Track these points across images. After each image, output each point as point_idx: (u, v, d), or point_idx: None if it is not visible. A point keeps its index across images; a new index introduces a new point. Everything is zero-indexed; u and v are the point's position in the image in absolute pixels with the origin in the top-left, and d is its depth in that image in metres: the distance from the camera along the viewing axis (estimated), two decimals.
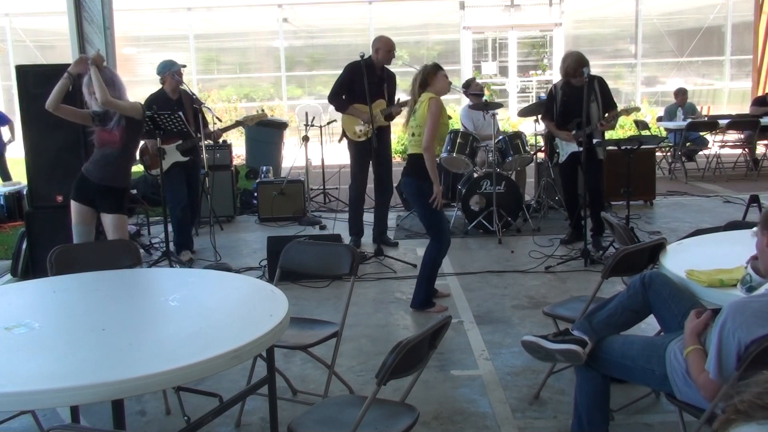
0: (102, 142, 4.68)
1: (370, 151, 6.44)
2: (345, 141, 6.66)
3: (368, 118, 6.25)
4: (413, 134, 4.77)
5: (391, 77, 6.54)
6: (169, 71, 6.29)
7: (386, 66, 6.46)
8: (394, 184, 8.33)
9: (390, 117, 6.45)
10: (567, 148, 6.39)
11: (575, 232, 6.44)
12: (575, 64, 6.14)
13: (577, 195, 6.55)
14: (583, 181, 6.12)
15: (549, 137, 6.88)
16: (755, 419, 1.33)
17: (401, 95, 6.68)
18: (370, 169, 6.59)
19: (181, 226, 6.39)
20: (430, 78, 4.76)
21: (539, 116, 7.34)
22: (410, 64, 5.07)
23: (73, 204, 4.71)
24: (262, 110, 7.18)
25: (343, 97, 6.47)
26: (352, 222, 6.76)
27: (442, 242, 4.84)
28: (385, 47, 6.38)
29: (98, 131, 4.72)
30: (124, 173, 4.78)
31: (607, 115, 6.23)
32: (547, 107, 6.61)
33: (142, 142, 6.33)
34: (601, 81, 6.30)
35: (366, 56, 6.30)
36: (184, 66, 6.45)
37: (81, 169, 4.74)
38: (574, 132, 6.21)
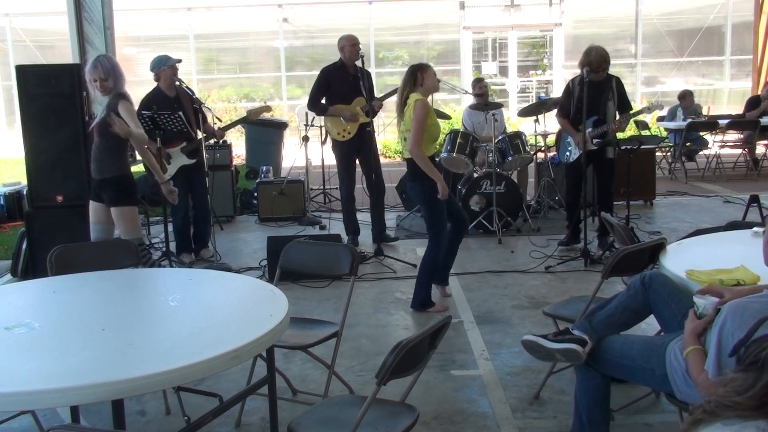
0: (93, 134, 4.76)
1: (355, 149, 6.52)
2: (329, 144, 6.80)
3: (350, 116, 6.43)
4: (404, 138, 4.78)
5: (367, 74, 6.58)
6: (165, 65, 6.11)
7: (357, 64, 6.44)
8: (394, 184, 8.37)
9: (372, 113, 6.45)
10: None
11: (573, 234, 6.39)
12: (599, 59, 5.98)
13: (579, 196, 6.52)
14: (594, 181, 6.07)
15: (561, 134, 6.68)
16: (721, 418, 1.34)
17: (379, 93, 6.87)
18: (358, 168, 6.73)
19: (182, 234, 6.35)
20: (421, 75, 4.73)
21: (555, 112, 7.12)
22: (409, 65, 5.06)
23: (90, 204, 4.80)
24: (265, 103, 7.14)
25: (323, 101, 6.56)
26: (347, 221, 6.81)
27: (440, 244, 4.86)
28: (348, 43, 6.45)
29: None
30: (110, 163, 4.68)
31: (618, 117, 6.15)
32: (563, 103, 6.37)
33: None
34: (618, 80, 6.22)
35: (337, 59, 6.53)
36: (179, 61, 6.22)
37: None
38: (589, 130, 6.03)
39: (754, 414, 1.33)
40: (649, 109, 7.06)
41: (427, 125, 4.65)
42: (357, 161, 6.70)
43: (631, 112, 6.35)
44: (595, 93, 5.89)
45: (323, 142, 6.93)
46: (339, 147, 6.63)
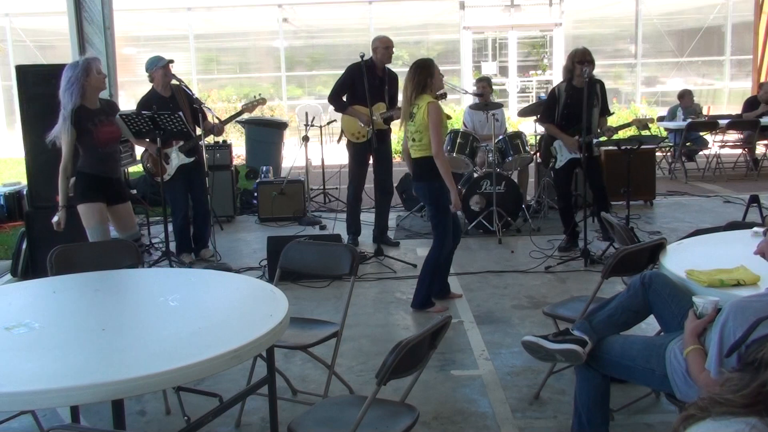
0: (107, 139, 4.84)
1: (368, 151, 6.47)
2: (344, 142, 6.70)
3: (367, 120, 6.28)
4: (413, 140, 4.75)
5: (393, 78, 6.53)
6: (157, 66, 6.06)
7: (388, 66, 6.46)
8: (394, 184, 8.35)
9: (390, 120, 6.43)
10: (566, 153, 6.22)
11: (571, 238, 6.38)
12: (581, 53, 6.02)
13: (571, 201, 6.51)
14: (587, 184, 6.08)
15: (546, 140, 6.69)
16: (712, 414, 1.35)
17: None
18: (369, 169, 6.61)
19: (182, 234, 6.34)
20: (430, 81, 4.72)
21: (538, 117, 7.25)
22: (413, 62, 5.04)
23: (94, 206, 4.84)
24: (260, 95, 7.06)
25: (344, 98, 6.48)
26: (350, 221, 6.80)
27: (444, 244, 4.85)
28: (382, 45, 6.39)
29: (101, 127, 4.76)
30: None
31: (601, 128, 6.14)
32: (548, 109, 6.37)
33: (143, 149, 6.29)
34: (602, 85, 6.24)
35: (366, 57, 6.31)
36: (171, 61, 6.15)
37: (91, 173, 4.86)
38: (578, 138, 6.04)
39: (744, 411, 1.34)
40: (638, 128, 7.06)
41: (442, 128, 4.66)
42: (370, 160, 6.64)
43: (619, 124, 6.41)
44: (580, 99, 5.88)
45: (338, 140, 6.85)
46: (353, 147, 6.60)
